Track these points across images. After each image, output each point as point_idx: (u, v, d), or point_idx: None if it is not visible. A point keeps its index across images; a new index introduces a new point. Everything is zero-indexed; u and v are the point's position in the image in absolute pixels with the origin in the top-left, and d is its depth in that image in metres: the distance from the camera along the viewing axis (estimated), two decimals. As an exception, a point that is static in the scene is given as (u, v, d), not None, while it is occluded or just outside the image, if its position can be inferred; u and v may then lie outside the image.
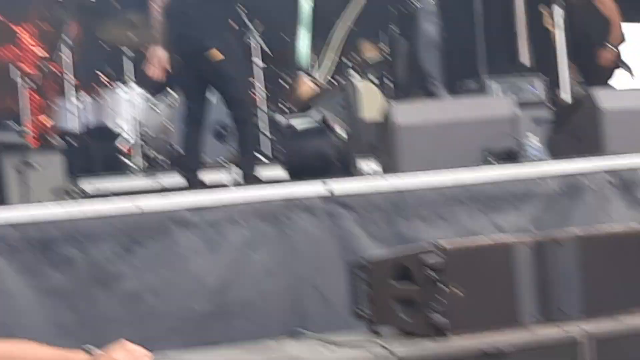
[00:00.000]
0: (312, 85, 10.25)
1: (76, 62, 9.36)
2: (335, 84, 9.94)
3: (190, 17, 7.36)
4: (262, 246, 5.15)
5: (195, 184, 7.40)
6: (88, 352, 2.85)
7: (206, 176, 7.77)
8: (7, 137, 7.87)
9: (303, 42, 7.32)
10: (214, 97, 7.74)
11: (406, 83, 10.23)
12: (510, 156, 6.17)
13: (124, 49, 9.66)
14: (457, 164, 6.04)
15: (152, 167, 9.56)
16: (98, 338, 3.35)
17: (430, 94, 7.27)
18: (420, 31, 7.35)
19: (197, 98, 7.52)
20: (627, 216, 5.64)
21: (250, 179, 7.32)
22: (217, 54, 7.22)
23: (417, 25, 7.35)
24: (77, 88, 9.35)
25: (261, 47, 9.60)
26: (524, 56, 10.86)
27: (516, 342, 3.80)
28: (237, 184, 7.57)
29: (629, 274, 4.10)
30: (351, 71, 10.07)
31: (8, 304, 4.66)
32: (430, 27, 7.35)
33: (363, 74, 10.26)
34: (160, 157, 9.59)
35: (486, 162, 6.10)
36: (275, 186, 5.56)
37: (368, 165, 8.25)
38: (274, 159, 9.13)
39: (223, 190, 5.51)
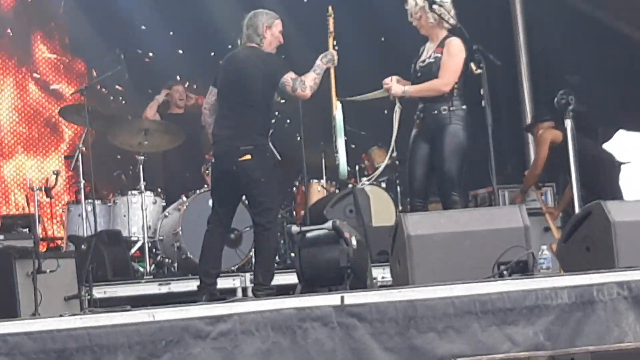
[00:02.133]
0: (322, 190, 10.35)
1: (89, 167, 9.46)
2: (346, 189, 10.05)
3: (226, 119, 7.44)
4: (276, 357, 5.15)
5: (210, 289, 7.37)
6: None
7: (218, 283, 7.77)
8: (19, 242, 7.90)
9: (342, 152, 7.38)
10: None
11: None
12: (522, 268, 6.20)
13: (136, 155, 9.78)
14: (469, 274, 6.08)
15: (162, 271, 9.61)
16: None
17: (449, 206, 7.33)
18: (448, 138, 7.42)
19: (226, 201, 7.51)
20: (638, 327, 5.65)
21: (265, 287, 7.30)
22: (246, 155, 7.27)
23: (443, 133, 7.43)
24: (90, 193, 9.43)
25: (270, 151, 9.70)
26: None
27: None
28: (251, 293, 7.58)
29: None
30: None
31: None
32: (460, 133, 7.45)
33: (373, 180, 10.40)
34: (169, 261, 9.65)
35: (498, 274, 6.13)
36: (289, 297, 5.58)
37: (380, 273, 8.30)
38: (285, 265, 9.19)
39: (237, 300, 5.54)
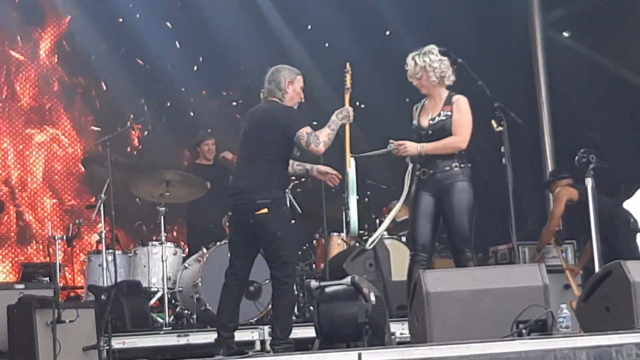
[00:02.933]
0: (342, 244, 10.35)
1: (109, 216, 9.51)
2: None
3: (244, 172, 7.48)
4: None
5: (228, 342, 7.35)
6: None
7: (235, 336, 7.75)
8: (40, 292, 7.93)
9: (353, 210, 7.36)
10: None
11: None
12: (541, 327, 6.17)
13: (158, 205, 9.82)
14: (487, 332, 6.06)
15: (181, 322, 9.61)
16: None
17: (462, 263, 7.31)
18: (460, 194, 7.42)
19: (243, 254, 7.52)
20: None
21: (283, 341, 7.26)
22: (263, 209, 7.29)
23: (454, 189, 7.42)
24: (110, 243, 9.47)
25: (291, 204, 9.73)
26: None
27: None
28: (269, 347, 7.55)
29: None
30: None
31: None
32: (470, 190, 7.44)
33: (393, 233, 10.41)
34: (188, 312, 9.65)
35: (517, 333, 6.10)
36: (306, 353, 5.57)
37: (398, 328, 8.28)
38: (304, 319, 9.17)
39: (255, 355, 5.53)
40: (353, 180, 7.39)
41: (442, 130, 7.44)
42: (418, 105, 7.66)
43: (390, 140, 7.47)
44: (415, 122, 7.60)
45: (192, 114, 12.72)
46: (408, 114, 7.72)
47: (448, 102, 7.51)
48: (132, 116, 10.79)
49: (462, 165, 7.45)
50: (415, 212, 7.51)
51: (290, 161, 7.59)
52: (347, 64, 7.53)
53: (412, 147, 7.46)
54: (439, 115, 7.49)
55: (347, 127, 7.46)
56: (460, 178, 7.41)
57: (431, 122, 7.49)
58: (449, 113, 7.48)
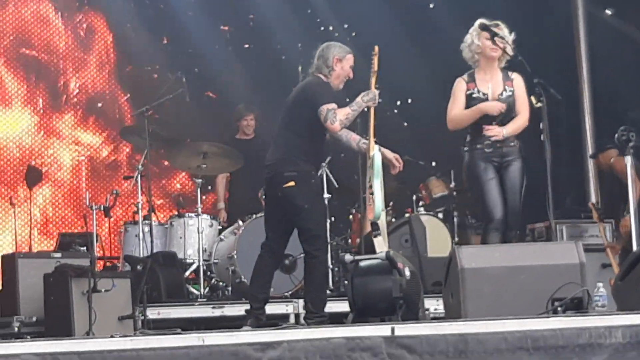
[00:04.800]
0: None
1: (146, 188, 9.55)
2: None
3: (275, 145, 7.50)
4: (324, 385, 5.15)
5: (257, 314, 7.38)
6: None
7: (270, 309, 7.77)
8: (76, 261, 7.99)
9: (377, 194, 7.32)
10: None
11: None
12: (577, 305, 6.13)
13: (194, 177, 9.85)
14: (521, 309, 6.03)
15: (215, 294, 9.65)
16: None
17: (510, 239, 7.30)
18: (515, 174, 7.44)
19: (277, 227, 7.54)
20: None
21: (316, 315, 7.28)
22: (290, 182, 7.30)
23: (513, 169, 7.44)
24: (147, 214, 9.52)
25: (327, 179, 9.74)
26: (594, 201, 10.86)
27: None
28: (302, 320, 7.57)
29: None
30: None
31: None
32: (523, 170, 7.46)
33: (429, 210, 10.37)
34: (223, 284, 9.69)
35: (552, 310, 6.06)
36: (339, 326, 5.56)
37: (432, 304, 8.26)
38: (338, 293, 9.18)
39: (287, 327, 5.53)
40: (379, 164, 7.35)
41: (513, 106, 7.49)
42: (464, 76, 7.62)
43: (487, 127, 7.46)
44: (476, 92, 7.54)
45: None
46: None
47: (507, 77, 7.55)
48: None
49: (519, 143, 7.49)
50: (488, 183, 7.45)
51: (356, 137, 7.57)
52: (376, 47, 7.50)
53: (500, 132, 7.45)
54: (505, 90, 7.49)
55: (372, 111, 7.43)
56: (518, 155, 7.51)
57: (500, 97, 7.47)
58: (512, 89, 7.52)
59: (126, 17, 12.19)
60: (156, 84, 11.59)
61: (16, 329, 7.82)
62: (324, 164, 9.62)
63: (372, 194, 7.33)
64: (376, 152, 7.36)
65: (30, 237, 10.24)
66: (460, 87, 7.60)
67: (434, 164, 11.13)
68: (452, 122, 7.61)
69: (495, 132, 7.45)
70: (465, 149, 7.60)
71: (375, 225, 7.28)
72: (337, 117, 7.24)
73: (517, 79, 7.57)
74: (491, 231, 7.40)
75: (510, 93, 7.52)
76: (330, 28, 12.30)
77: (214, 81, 12.30)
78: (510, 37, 7.58)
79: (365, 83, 7.46)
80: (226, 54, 12.32)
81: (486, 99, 7.50)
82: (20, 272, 8.01)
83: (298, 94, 7.50)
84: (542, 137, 7.35)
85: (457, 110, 7.56)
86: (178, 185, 12.11)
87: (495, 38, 7.47)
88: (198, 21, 12.20)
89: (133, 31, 12.19)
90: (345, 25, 12.24)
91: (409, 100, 12.41)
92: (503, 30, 7.56)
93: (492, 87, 7.53)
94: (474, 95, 7.54)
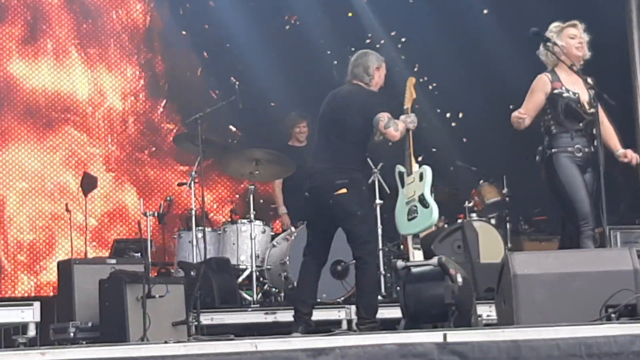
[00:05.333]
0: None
1: (200, 195, 9.61)
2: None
3: (323, 153, 7.54)
4: (376, 392, 5.15)
5: (306, 319, 7.41)
6: None
7: (322, 315, 7.80)
8: (131, 267, 8.06)
9: (433, 203, 7.35)
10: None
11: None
12: (631, 312, 6.08)
13: (247, 184, 9.90)
14: (575, 316, 6.00)
15: (268, 300, 9.69)
16: None
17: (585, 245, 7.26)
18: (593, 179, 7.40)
19: (321, 234, 7.58)
20: None
21: (369, 321, 7.30)
22: (342, 189, 7.35)
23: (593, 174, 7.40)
24: (200, 220, 9.58)
25: (380, 185, 9.75)
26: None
27: None
28: (354, 327, 7.59)
29: None
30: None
31: None
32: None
33: (482, 215, 10.35)
34: (276, 290, 9.73)
35: (606, 317, 6.02)
36: (391, 332, 5.57)
37: (485, 310, 8.23)
38: (390, 299, 9.18)
39: (339, 334, 5.55)
40: (430, 177, 7.37)
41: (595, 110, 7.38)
42: (546, 74, 7.49)
43: (621, 151, 7.53)
44: (566, 92, 7.41)
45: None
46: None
47: (585, 80, 7.43)
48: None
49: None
50: (577, 185, 7.33)
51: None
52: (412, 79, 7.61)
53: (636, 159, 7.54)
54: (589, 94, 7.40)
55: (410, 134, 7.46)
56: (593, 162, 7.34)
57: (593, 101, 7.37)
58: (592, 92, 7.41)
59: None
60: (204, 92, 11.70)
61: (72, 334, 7.90)
62: (375, 170, 9.65)
63: (415, 206, 7.34)
64: (427, 167, 7.38)
65: (85, 243, 10.35)
66: (542, 85, 7.45)
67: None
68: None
69: (634, 159, 7.49)
70: (553, 150, 7.38)
71: (416, 239, 7.32)
72: (398, 127, 7.33)
73: (594, 83, 7.43)
74: (588, 238, 7.26)
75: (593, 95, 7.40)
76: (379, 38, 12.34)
77: (264, 88, 12.37)
78: (586, 38, 7.53)
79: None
80: (276, 62, 12.39)
81: (577, 99, 7.40)
82: (76, 278, 8.10)
83: (347, 103, 7.53)
84: (595, 143, 7.28)
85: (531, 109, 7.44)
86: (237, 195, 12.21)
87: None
88: (248, 27, 12.31)
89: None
90: (393, 33, 12.26)
91: (459, 115, 12.36)
92: (580, 29, 7.52)
93: (579, 88, 7.44)
94: (564, 95, 7.40)
